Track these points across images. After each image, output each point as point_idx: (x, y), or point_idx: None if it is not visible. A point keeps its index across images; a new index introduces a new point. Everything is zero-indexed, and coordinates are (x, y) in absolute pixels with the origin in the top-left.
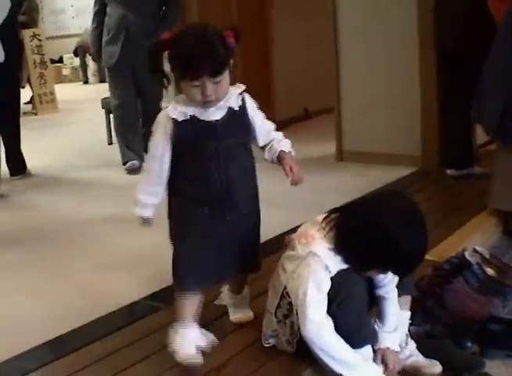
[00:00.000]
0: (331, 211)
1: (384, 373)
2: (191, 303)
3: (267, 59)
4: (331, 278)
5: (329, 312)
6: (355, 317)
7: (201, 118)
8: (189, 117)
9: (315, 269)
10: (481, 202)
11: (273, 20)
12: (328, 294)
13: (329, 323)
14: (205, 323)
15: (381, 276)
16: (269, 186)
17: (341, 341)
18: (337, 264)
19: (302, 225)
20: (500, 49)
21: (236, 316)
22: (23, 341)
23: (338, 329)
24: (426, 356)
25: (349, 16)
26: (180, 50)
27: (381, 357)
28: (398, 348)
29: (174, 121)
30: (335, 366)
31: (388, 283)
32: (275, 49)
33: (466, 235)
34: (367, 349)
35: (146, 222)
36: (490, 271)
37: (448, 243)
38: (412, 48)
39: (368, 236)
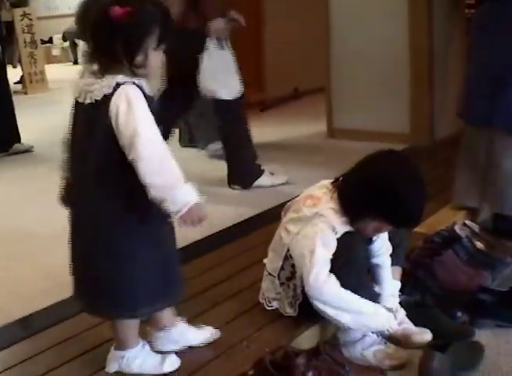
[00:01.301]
0: (337, 177)
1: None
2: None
3: (258, 39)
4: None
5: (331, 272)
6: (355, 279)
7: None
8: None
9: (322, 229)
10: None
11: (265, 4)
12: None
13: (333, 278)
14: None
15: (378, 246)
16: None
17: (348, 292)
18: (342, 225)
19: (304, 191)
20: (484, 49)
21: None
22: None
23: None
24: (416, 324)
25: None
26: None
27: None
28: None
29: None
30: (347, 319)
31: (384, 252)
32: (267, 30)
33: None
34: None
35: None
36: (479, 244)
37: (438, 216)
38: (402, 28)
39: (370, 189)
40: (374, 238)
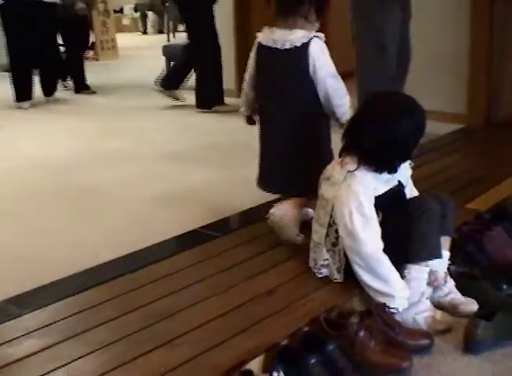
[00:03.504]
0: (342, 141)
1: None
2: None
3: None
4: (400, 206)
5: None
6: (431, 231)
7: None
8: None
9: (355, 188)
10: None
11: None
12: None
13: (376, 240)
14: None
15: (404, 181)
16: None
17: (386, 259)
18: (373, 179)
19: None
20: None
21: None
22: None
23: (415, 239)
24: (463, 294)
25: None
26: None
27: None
28: (445, 271)
29: None
30: (370, 282)
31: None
32: None
33: (508, 188)
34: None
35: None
36: None
37: (490, 194)
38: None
39: (394, 144)
40: (403, 178)
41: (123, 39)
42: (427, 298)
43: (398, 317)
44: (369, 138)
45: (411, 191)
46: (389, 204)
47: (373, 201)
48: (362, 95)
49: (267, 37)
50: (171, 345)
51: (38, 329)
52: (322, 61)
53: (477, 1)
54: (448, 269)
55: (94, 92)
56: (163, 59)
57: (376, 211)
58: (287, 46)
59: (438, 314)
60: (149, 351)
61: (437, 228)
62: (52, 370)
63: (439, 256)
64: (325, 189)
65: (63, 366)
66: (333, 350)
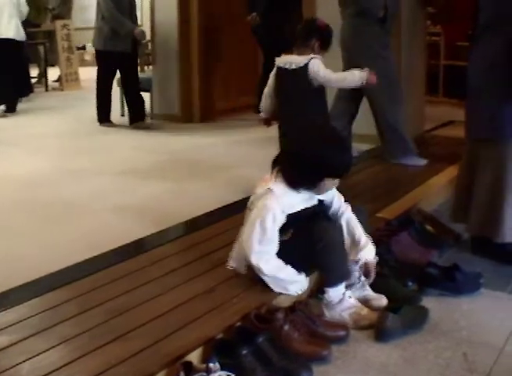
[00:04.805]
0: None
1: (368, 283)
2: None
3: (254, 53)
4: (315, 224)
5: (314, 253)
6: (335, 258)
7: None
8: None
9: (269, 203)
10: (426, 175)
11: None
12: (312, 237)
13: (265, 253)
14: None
15: (335, 205)
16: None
17: (278, 263)
18: (291, 196)
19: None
20: None
21: None
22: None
23: (322, 268)
24: (375, 291)
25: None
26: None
27: (364, 271)
28: (375, 259)
29: None
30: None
31: (345, 208)
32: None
33: (412, 199)
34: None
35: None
36: (429, 228)
37: (397, 205)
38: None
39: (309, 164)
40: (326, 198)
41: (85, 72)
42: (349, 297)
43: (327, 313)
44: (290, 160)
45: (340, 209)
46: (304, 222)
47: (282, 219)
48: (387, 130)
49: (284, 61)
50: (125, 338)
51: (8, 326)
52: (316, 68)
53: None
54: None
55: None
56: (118, 89)
57: (289, 228)
58: (294, 66)
59: (365, 311)
60: (106, 344)
61: (340, 252)
62: (19, 363)
63: (347, 278)
64: (251, 201)
65: (29, 359)
66: (263, 342)
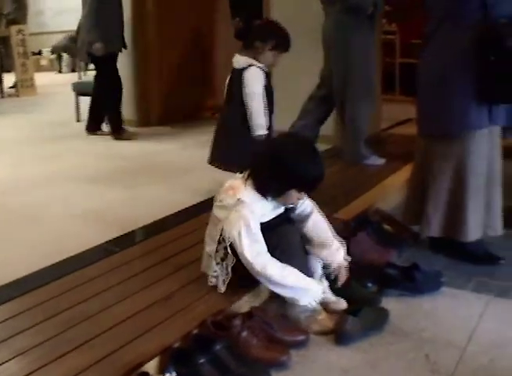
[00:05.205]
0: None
1: (339, 285)
2: None
3: (210, 54)
4: (271, 231)
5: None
6: (295, 263)
7: None
8: None
9: (244, 213)
10: (383, 174)
11: (217, 21)
12: (270, 245)
13: (267, 256)
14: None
15: (302, 208)
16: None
17: (286, 268)
18: (261, 206)
19: (226, 182)
20: None
21: None
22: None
23: None
24: (334, 293)
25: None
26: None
27: (337, 273)
28: (347, 260)
29: None
30: (282, 292)
31: (312, 210)
32: (218, 46)
33: (370, 198)
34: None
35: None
36: (388, 228)
37: (355, 205)
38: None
39: (279, 172)
40: (295, 205)
41: (41, 78)
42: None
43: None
44: (260, 165)
45: (306, 210)
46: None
47: (258, 225)
48: (356, 132)
49: (234, 59)
50: (82, 349)
51: None
52: (248, 79)
53: None
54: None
55: None
56: (73, 94)
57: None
58: (236, 66)
59: (322, 315)
60: (65, 353)
61: (299, 255)
62: None
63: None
64: (217, 210)
65: None
66: (221, 349)
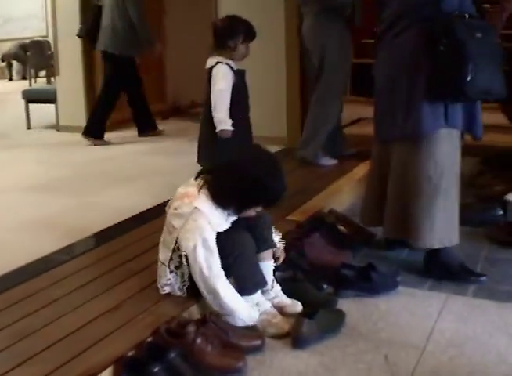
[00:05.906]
0: (202, 172)
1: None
2: None
3: (162, 59)
4: (225, 237)
5: (226, 265)
6: (248, 268)
7: None
8: None
9: (201, 224)
10: (335, 174)
11: (166, 26)
12: (223, 251)
13: (221, 272)
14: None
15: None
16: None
17: (230, 289)
18: (218, 216)
19: (179, 188)
20: None
21: None
22: None
23: (236, 279)
24: (289, 296)
25: None
26: None
27: (276, 255)
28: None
29: None
30: (224, 312)
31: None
32: (168, 51)
33: (323, 199)
34: (257, 295)
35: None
36: (342, 228)
37: (308, 206)
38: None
39: (239, 185)
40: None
41: None
42: (270, 304)
43: None
44: (221, 178)
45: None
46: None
47: (214, 235)
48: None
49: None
50: (29, 363)
51: None
52: (216, 77)
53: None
54: (274, 275)
55: None
56: (23, 101)
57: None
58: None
59: (278, 318)
60: (14, 367)
61: (252, 261)
62: None
63: (263, 285)
64: (172, 218)
65: None
66: (175, 357)
